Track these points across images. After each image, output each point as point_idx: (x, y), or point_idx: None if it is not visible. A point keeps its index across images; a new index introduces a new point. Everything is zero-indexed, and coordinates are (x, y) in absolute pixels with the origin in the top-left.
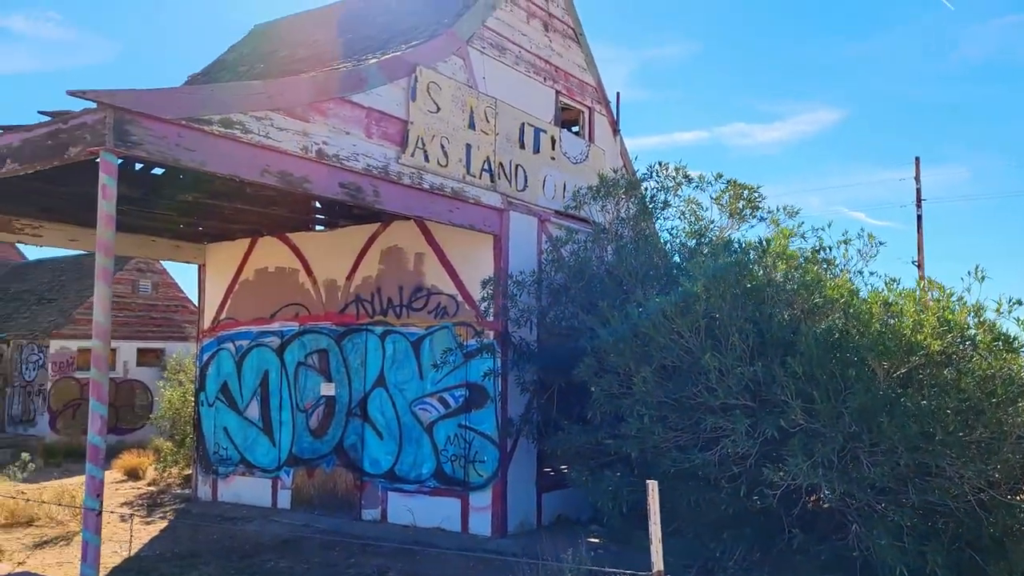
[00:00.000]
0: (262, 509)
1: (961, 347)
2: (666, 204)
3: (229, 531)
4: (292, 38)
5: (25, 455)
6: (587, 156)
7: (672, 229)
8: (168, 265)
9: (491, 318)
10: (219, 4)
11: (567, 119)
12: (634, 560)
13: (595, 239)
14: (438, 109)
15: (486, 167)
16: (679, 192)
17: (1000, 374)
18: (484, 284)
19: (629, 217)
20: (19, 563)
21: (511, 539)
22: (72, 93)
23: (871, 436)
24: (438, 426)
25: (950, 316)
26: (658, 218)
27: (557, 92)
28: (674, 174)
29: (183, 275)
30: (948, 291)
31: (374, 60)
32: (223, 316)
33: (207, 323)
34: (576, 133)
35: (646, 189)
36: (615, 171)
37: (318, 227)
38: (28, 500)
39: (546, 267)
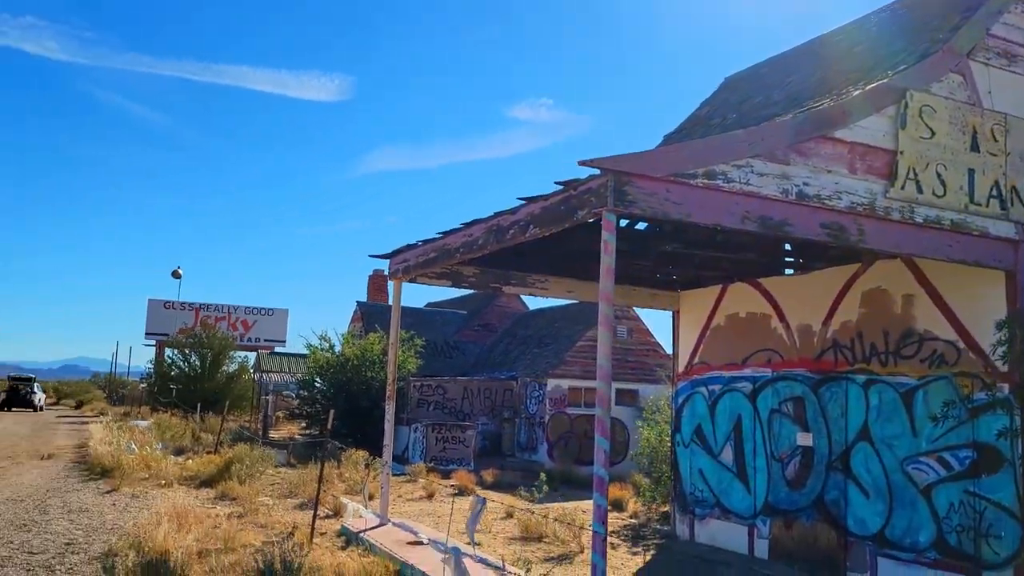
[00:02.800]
0: (739, 555)
1: None
2: None
3: (709, 573)
4: (764, 83)
5: (534, 479)
6: None
7: None
8: (641, 311)
9: (1006, 368)
10: (681, 68)
11: None
12: None
13: None
14: (932, 134)
15: (994, 193)
16: None
17: None
18: (998, 328)
19: None
20: (543, 574)
21: None
22: (582, 163)
23: None
24: (938, 490)
25: None
26: None
27: None
28: None
29: (653, 321)
30: None
31: (857, 92)
32: (696, 360)
33: (681, 367)
34: None
35: None
36: None
37: (787, 271)
38: (544, 517)
39: None
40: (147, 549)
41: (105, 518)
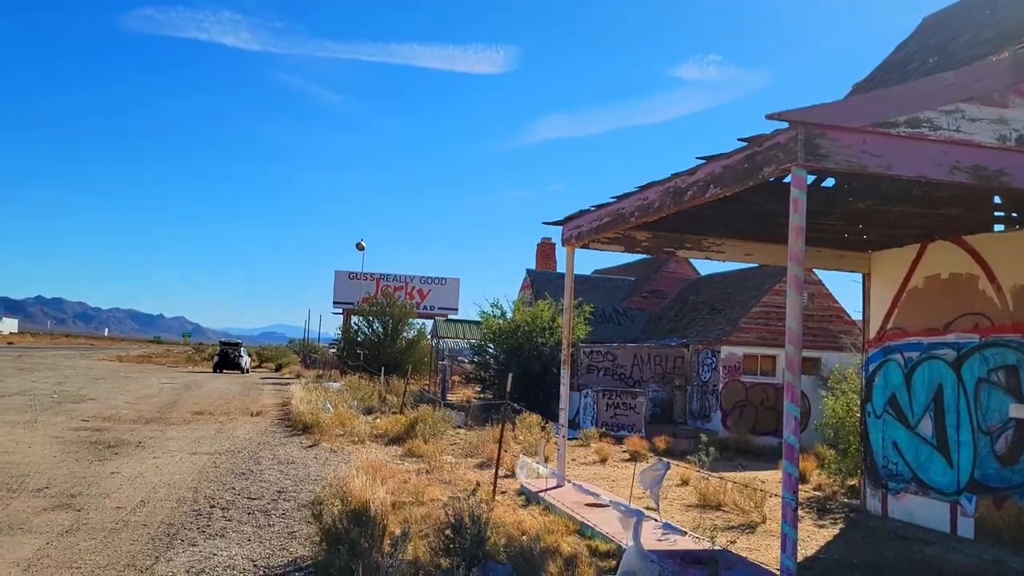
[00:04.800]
0: (938, 533)
1: None
2: None
3: (906, 551)
4: (970, 21)
5: (710, 446)
6: None
7: None
8: (822, 275)
9: None
10: (864, 16)
11: None
12: None
13: None
14: None
15: None
16: None
17: None
18: None
19: None
20: (730, 542)
21: None
22: (770, 116)
23: None
24: None
25: None
26: None
27: None
28: None
29: (837, 286)
30: None
31: None
32: (889, 326)
33: (872, 333)
34: None
35: None
36: None
37: (997, 227)
38: (724, 483)
39: None
40: (349, 499)
41: (309, 470)
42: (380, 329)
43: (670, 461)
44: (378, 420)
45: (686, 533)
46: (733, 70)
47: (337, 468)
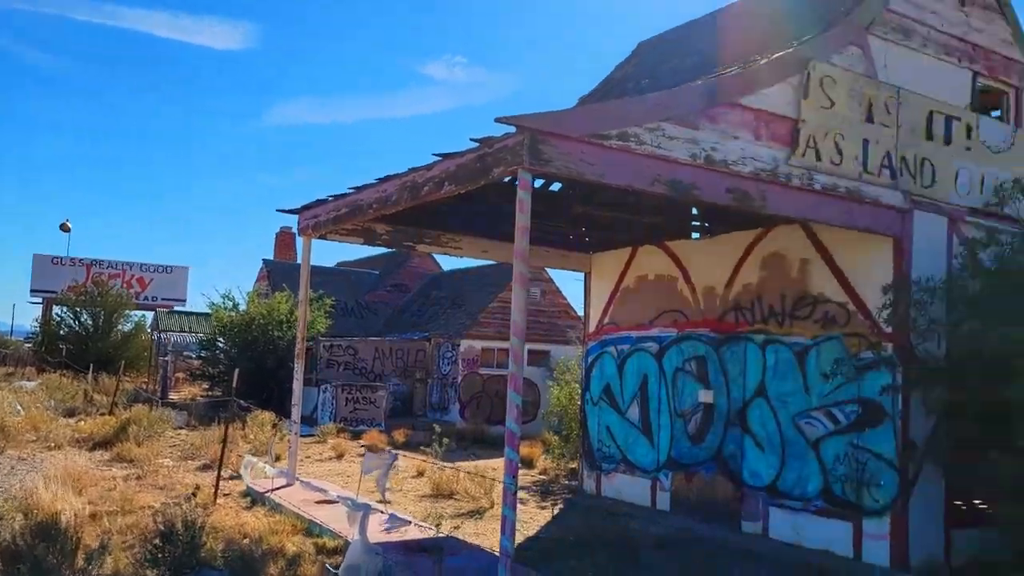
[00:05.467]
0: (643, 508)
1: None
2: None
3: (614, 526)
4: (677, 49)
5: (445, 438)
6: (1012, 144)
7: None
8: (553, 274)
9: (890, 329)
10: (600, 31)
11: (986, 103)
12: None
13: None
14: (832, 104)
15: (886, 163)
16: None
17: None
18: (884, 291)
19: None
20: (455, 527)
21: (915, 575)
22: (499, 120)
23: None
24: (825, 443)
25: None
26: None
27: (975, 73)
28: None
29: (565, 283)
30: None
31: (763, 61)
32: (606, 321)
33: (591, 328)
34: (998, 118)
35: None
36: None
37: (694, 235)
38: (456, 472)
39: (958, 273)
40: (35, 512)
41: None
42: (89, 321)
43: (399, 452)
44: (82, 423)
45: (412, 523)
46: (478, 72)
47: (25, 478)
